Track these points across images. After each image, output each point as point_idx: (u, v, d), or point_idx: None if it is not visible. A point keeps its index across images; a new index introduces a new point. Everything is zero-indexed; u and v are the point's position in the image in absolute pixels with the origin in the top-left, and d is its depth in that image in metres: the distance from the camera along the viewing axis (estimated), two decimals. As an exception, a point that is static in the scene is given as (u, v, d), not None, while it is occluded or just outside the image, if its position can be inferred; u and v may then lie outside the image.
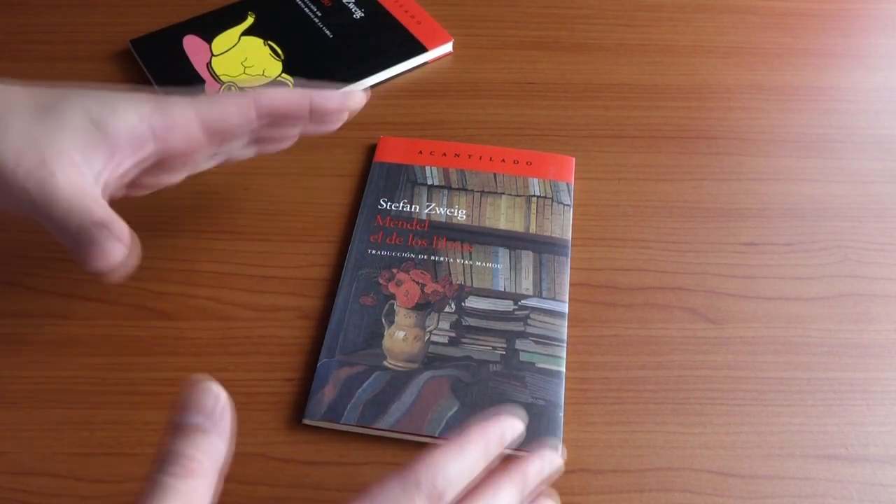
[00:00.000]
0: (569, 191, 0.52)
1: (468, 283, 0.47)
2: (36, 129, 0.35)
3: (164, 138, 0.38)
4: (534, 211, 0.50)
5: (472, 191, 0.52)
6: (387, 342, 0.44)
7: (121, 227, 0.36)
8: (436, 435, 0.41)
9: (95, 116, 0.36)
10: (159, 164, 0.41)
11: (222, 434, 0.30)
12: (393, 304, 0.46)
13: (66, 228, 0.35)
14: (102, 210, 0.36)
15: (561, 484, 0.40)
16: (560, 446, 0.41)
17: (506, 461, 0.34)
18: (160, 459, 0.28)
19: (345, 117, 0.45)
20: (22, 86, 0.38)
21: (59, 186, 0.35)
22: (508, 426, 0.35)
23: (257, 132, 0.44)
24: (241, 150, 0.46)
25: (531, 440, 0.40)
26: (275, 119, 0.42)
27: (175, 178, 0.44)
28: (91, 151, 0.35)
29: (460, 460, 0.32)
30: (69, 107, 0.36)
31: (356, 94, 0.45)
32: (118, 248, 0.35)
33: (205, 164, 0.45)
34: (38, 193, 0.34)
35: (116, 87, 0.39)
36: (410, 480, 0.30)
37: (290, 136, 0.47)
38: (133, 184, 0.42)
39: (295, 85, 0.57)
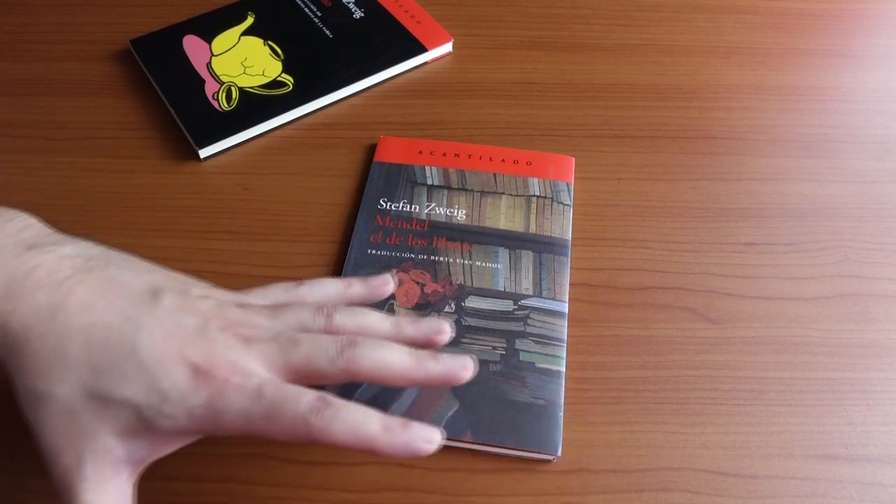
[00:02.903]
0: (569, 191, 0.52)
1: (468, 283, 0.47)
2: (83, 413, 0.33)
3: (211, 433, 0.35)
4: (534, 211, 0.50)
5: (472, 191, 0.52)
6: (387, 342, 0.44)
7: None
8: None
9: (143, 412, 0.33)
10: None
11: None
12: (393, 304, 0.46)
13: None
14: None
15: (561, 484, 0.40)
16: (559, 446, 0.41)
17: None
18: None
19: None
20: (79, 314, 0.34)
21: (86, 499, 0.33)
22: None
23: None
24: None
25: (531, 440, 0.41)
26: None
27: None
28: (133, 443, 0.34)
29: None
30: (118, 395, 0.33)
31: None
32: None
33: None
34: (64, 490, 0.33)
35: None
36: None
37: None
38: None
39: (298, 92, 0.57)
